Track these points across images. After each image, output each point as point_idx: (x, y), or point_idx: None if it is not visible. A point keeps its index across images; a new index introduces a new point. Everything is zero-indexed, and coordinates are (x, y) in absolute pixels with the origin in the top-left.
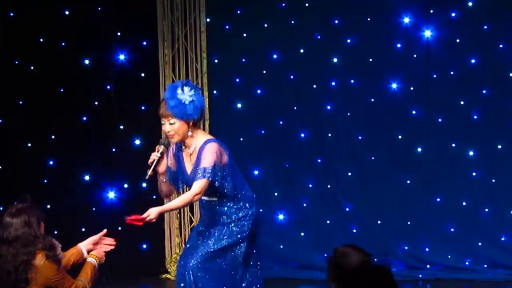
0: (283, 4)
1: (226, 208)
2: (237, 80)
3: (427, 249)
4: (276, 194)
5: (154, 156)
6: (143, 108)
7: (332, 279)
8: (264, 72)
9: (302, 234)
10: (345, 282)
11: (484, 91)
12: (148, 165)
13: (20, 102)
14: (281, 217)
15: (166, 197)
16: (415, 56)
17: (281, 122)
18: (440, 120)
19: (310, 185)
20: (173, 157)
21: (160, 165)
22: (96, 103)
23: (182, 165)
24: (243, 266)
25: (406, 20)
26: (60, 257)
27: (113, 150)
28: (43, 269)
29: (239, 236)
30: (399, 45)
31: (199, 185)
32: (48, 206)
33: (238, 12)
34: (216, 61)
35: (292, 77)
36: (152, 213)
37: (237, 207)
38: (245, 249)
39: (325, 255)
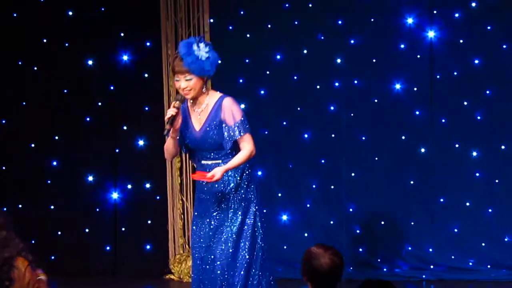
0: (287, 5)
1: (231, 178)
2: (241, 80)
3: (430, 250)
4: (279, 194)
5: (172, 111)
6: (146, 108)
7: (305, 277)
8: (268, 72)
9: (306, 234)
10: (316, 282)
11: (487, 92)
12: (165, 121)
13: (23, 103)
14: (284, 217)
15: (170, 158)
16: (418, 56)
17: (284, 123)
18: (443, 120)
19: (314, 186)
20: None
21: (176, 121)
22: (100, 103)
23: (189, 123)
24: (261, 232)
25: (410, 20)
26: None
27: (117, 150)
28: (26, 273)
29: (247, 208)
30: (402, 46)
31: (248, 141)
32: (52, 207)
33: (242, 13)
34: (219, 61)
35: (295, 77)
36: (217, 172)
37: (241, 169)
38: (254, 219)
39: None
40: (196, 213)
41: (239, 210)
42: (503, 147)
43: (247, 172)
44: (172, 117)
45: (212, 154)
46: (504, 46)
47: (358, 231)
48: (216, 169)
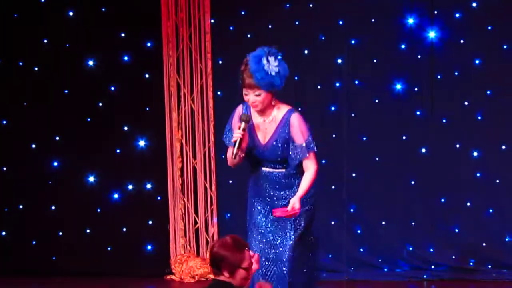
0: (287, 5)
1: (293, 179)
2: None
3: (431, 250)
4: None
5: (239, 134)
6: (147, 109)
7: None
8: None
9: None
10: None
11: (488, 92)
12: (233, 144)
13: (25, 103)
14: None
15: (233, 166)
16: (419, 57)
17: None
18: (444, 120)
19: None
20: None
21: (244, 141)
22: (100, 104)
23: (253, 135)
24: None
25: (411, 21)
26: None
27: (117, 151)
28: None
29: (308, 217)
30: (403, 46)
31: (312, 161)
32: (53, 207)
33: (243, 13)
34: (220, 62)
35: (296, 78)
36: (296, 203)
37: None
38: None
39: (330, 256)
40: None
41: (303, 222)
42: (503, 147)
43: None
44: (240, 140)
45: (276, 164)
46: (505, 46)
47: (359, 231)
48: (293, 200)
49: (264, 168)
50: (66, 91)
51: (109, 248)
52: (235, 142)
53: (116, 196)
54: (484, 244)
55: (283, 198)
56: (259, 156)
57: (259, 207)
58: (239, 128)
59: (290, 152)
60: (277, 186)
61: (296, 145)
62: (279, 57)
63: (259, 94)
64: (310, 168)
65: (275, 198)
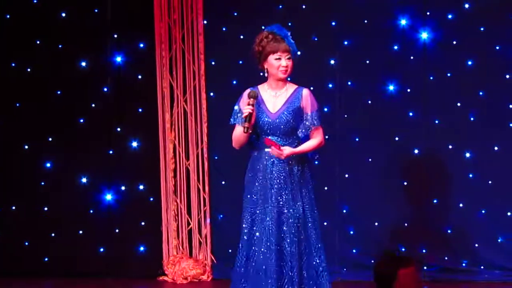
0: (280, 6)
1: (292, 161)
2: (234, 82)
3: (424, 251)
4: None
5: (249, 109)
6: (140, 110)
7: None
8: (261, 74)
9: None
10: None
11: (480, 93)
12: (243, 119)
13: (17, 105)
14: None
15: (239, 147)
16: (412, 58)
17: None
18: (436, 121)
19: None
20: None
21: (253, 117)
22: (93, 105)
23: (262, 107)
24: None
25: (403, 22)
26: None
27: (110, 152)
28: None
29: (308, 197)
30: (396, 47)
31: (319, 132)
32: (46, 209)
33: (235, 14)
34: (213, 63)
35: (289, 79)
36: (286, 149)
37: (302, 164)
38: (313, 207)
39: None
40: (251, 197)
41: (300, 199)
42: (496, 148)
43: (307, 163)
44: (250, 115)
45: (279, 141)
46: (497, 47)
47: (351, 232)
48: (287, 147)
49: (267, 149)
50: (59, 92)
51: (101, 249)
52: (246, 117)
53: (109, 197)
54: (476, 245)
55: (278, 177)
56: (268, 128)
57: (254, 196)
58: (248, 104)
59: (304, 122)
60: (274, 168)
61: (306, 116)
62: None
63: (290, 58)
64: (316, 137)
65: (269, 177)
